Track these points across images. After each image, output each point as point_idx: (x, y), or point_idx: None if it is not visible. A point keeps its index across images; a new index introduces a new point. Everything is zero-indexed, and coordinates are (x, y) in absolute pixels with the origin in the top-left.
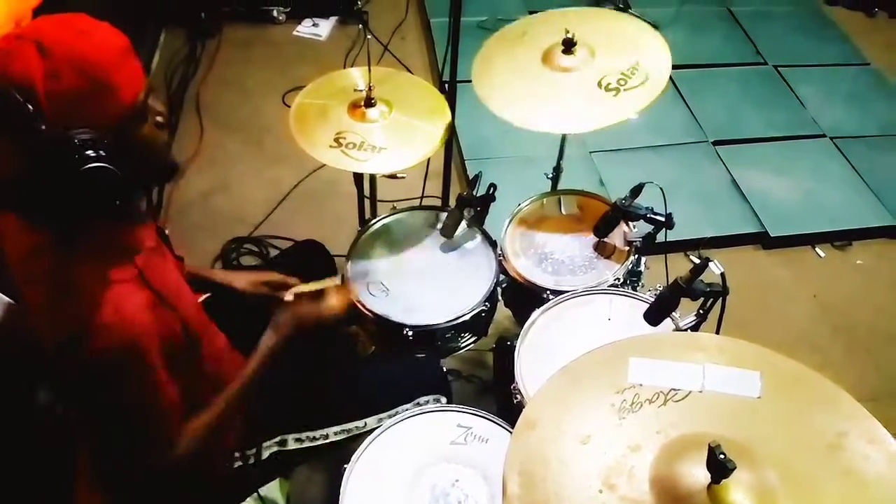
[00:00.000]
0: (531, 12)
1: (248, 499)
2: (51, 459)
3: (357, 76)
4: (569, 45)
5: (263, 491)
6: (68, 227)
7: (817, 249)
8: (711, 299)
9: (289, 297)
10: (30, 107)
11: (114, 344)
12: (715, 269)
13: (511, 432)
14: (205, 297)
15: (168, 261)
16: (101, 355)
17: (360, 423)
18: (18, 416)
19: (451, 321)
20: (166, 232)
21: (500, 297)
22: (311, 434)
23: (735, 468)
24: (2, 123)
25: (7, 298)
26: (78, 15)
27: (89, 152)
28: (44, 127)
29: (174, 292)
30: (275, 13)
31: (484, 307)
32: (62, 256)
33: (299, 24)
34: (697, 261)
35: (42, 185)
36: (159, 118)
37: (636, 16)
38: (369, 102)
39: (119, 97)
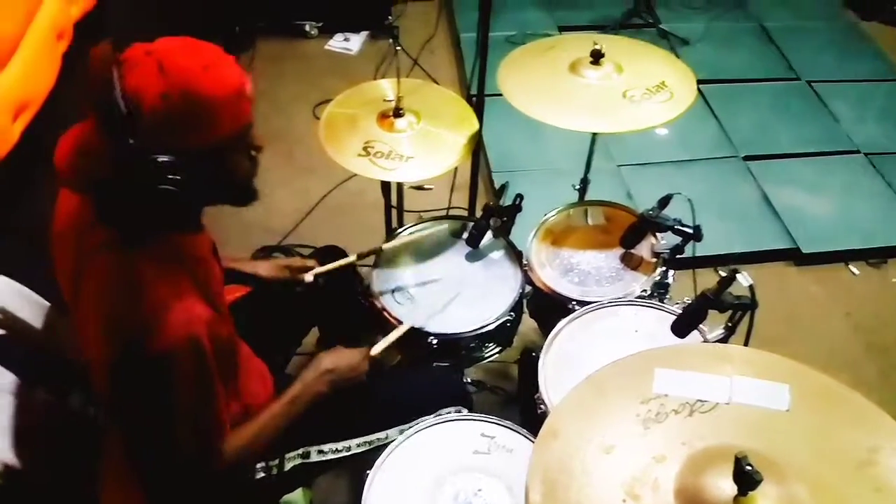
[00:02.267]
0: (560, 27)
1: None
2: (80, 461)
3: (386, 87)
4: (597, 57)
5: (286, 498)
6: (135, 231)
7: (851, 267)
8: (740, 312)
9: (308, 277)
10: (127, 118)
11: (179, 343)
12: (743, 281)
13: (535, 442)
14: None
15: (216, 272)
16: (168, 353)
17: (381, 435)
18: (53, 418)
19: (475, 331)
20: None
21: (525, 308)
22: (334, 446)
23: (762, 480)
24: (104, 125)
25: (45, 301)
26: (208, 46)
27: (163, 173)
28: (132, 141)
29: (220, 302)
30: (307, 28)
31: (509, 317)
32: (127, 255)
33: (331, 38)
34: (722, 276)
35: (118, 189)
36: (253, 152)
37: (667, 30)
38: (398, 113)
39: (216, 131)
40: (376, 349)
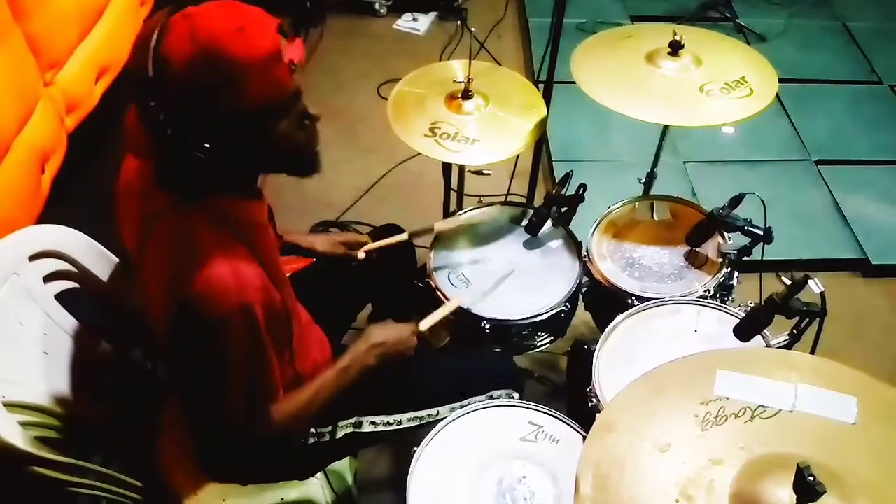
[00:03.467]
0: (632, 17)
1: (317, 473)
2: (139, 414)
3: (456, 68)
4: (676, 48)
5: (333, 466)
6: (188, 195)
7: None
8: (807, 319)
9: (361, 254)
10: (152, 81)
11: (232, 310)
12: (814, 287)
13: (583, 436)
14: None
15: (272, 238)
16: (221, 320)
17: (432, 412)
18: (113, 369)
19: (529, 318)
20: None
21: (581, 300)
22: (385, 419)
23: (825, 492)
24: (133, 88)
25: (116, 258)
26: (250, 10)
27: (193, 139)
28: (153, 104)
29: (275, 268)
30: (377, 6)
31: (564, 307)
32: (185, 221)
33: (399, 17)
34: (790, 282)
35: (165, 155)
36: (307, 121)
37: (743, 25)
38: (466, 95)
39: (248, 96)
40: (424, 324)
